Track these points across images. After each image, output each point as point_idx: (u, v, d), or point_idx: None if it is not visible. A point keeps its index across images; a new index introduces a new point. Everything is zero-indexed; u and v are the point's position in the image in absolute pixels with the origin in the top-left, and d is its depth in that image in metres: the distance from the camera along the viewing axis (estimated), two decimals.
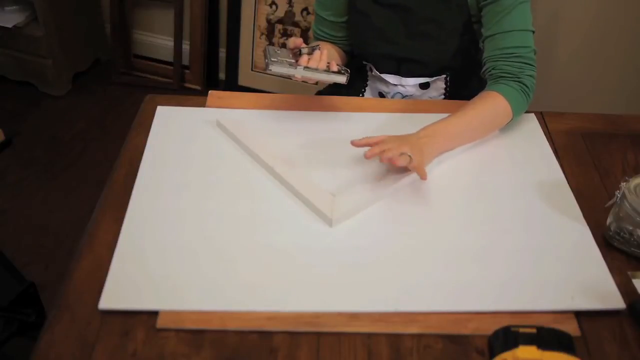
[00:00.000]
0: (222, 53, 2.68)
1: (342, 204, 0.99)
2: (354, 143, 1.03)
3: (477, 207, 1.02)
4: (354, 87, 1.42)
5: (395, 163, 0.97)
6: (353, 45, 1.38)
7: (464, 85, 1.32)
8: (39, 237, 2.00)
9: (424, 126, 1.07)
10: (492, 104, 1.13)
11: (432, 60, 1.29)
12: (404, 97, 1.34)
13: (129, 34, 2.75)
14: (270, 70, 1.10)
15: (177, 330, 0.82)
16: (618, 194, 0.95)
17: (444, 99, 1.35)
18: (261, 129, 1.17)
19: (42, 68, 2.56)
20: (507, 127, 1.19)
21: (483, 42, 1.21)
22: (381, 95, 1.38)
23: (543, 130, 1.20)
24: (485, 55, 1.20)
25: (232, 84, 2.62)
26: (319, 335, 0.83)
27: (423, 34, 1.25)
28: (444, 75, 1.31)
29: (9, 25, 2.46)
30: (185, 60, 2.69)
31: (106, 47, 2.83)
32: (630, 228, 0.93)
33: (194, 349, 0.81)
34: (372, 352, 0.81)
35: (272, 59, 1.11)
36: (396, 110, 1.24)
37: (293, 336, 0.83)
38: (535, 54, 1.17)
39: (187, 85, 2.72)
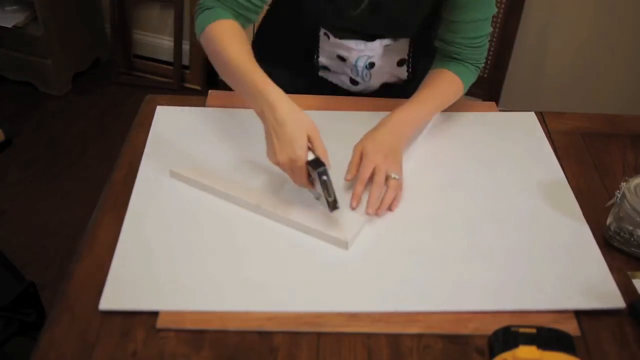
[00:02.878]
0: None
1: (349, 221, 0.97)
2: (348, 179, 1.02)
3: (477, 207, 1.02)
4: (303, 53, 1.27)
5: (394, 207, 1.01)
6: (303, 14, 1.21)
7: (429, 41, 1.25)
8: (39, 237, 2.00)
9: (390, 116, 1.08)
10: (454, 90, 1.16)
11: (396, 29, 1.20)
12: (370, 57, 1.22)
13: (129, 34, 2.76)
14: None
15: (177, 330, 0.82)
16: (618, 194, 0.95)
17: (409, 57, 1.26)
18: (260, 128, 1.17)
19: (42, 68, 2.57)
20: (507, 126, 1.19)
21: (445, 18, 1.13)
22: (340, 58, 1.24)
23: (543, 130, 1.20)
24: (448, 37, 1.15)
25: None
26: (319, 335, 0.83)
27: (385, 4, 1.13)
28: (409, 38, 1.23)
29: (9, 25, 2.47)
30: (185, 60, 2.69)
31: (106, 47, 2.84)
32: (630, 228, 0.93)
33: (194, 349, 0.81)
34: (372, 352, 0.81)
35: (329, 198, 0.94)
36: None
37: (293, 336, 0.83)
38: None
39: (187, 85, 2.72)
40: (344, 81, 1.29)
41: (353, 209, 0.99)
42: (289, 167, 0.93)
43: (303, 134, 0.92)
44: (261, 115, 0.95)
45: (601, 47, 2.22)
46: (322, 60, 1.27)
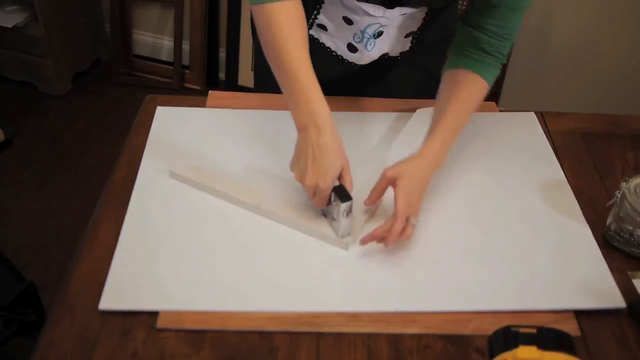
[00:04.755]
0: (222, 53, 2.68)
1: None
2: (366, 204, 0.97)
3: (477, 207, 1.02)
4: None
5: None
6: None
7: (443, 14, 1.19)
8: (39, 237, 2.00)
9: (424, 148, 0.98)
10: (481, 97, 1.06)
11: (434, 1, 1.10)
12: (382, 26, 1.12)
13: (129, 34, 2.76)
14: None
15: (177, 330, 0.82)
16: (618, 194, 0.95)
17: (419, 29, 1.18)
18: (260, 128, 1.17)
19: (42, 68, 2.57)
20: (507, 126, 1.19)
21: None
22: (347, 20, 1.12)
23: (543, 130, 1.20)
24: (477, 21, 1.03)
25: (232, 84, 2.63)
26: (319, 335, 0.83)
27: None
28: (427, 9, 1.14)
29: (9, 25, 2.47)
30: (185, 60, 2.70)
31: (106, 47, 2.84)
32: (630, 228, 0.93)
33: (194, 349, 0.81)
34: (372, 352, 0.81)
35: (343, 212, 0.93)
36: (400, 110, 1.23)
37: (293, 336, 0.83)
38: None
39: (187, 85, 2.72)
40: (339, 46, 1.18)
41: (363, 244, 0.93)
42: (313, 191, 0.93)
43: (339, 166, 0.92)
44: (302, 129, 0.94)
45: (601, 47, 2.22)
46: (322, 18, 1.15)
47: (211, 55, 2.69)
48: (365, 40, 1.15)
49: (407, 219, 0.92)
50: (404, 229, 0.91)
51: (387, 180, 0.94)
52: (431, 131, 1.00)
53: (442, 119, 1.00)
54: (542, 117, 1.24)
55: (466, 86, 1.05)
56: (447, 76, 1.08)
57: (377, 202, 0.98)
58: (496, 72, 1.07)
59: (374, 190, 0.96)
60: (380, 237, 0.92)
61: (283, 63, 0.95)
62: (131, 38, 2.77)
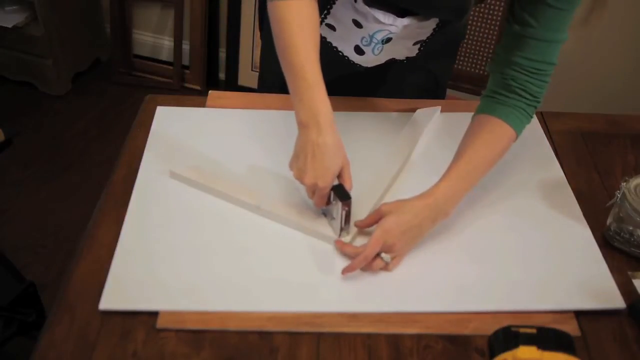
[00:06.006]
0: (222, 53, 2.68)
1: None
2: (357, 225, 0.95)
3: (477, 207, 1.02)
4: None
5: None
6: None
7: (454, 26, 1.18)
8: (39, 237, 2.00)
9: (435, 190, 0.94)
10: (502, 143, 0.99)
11: (440, 7, 1.06)
12: (391, 33, 1.11)
13: (129, 34, 2.76)
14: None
15: (177, 331, 0.82)
16: (618, 194, 0.95)
17: (428, 38, 1.17)
18: (260, 128, 1.17)
19: (42, 68, 2.57)
20: None
21: (509, 23, 0.99)
22: (356, 24, 1.12)
23: (543, 130, 1.20)
24: (506, 56, 0.99)
25: (232, 84, 2.63)
26: (319, 335, 0.83)
27: None
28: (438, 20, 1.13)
29: (9, 25, 2.46)
30: (185, 60, 2.69)
31: (106, 47, 2.84)
32: (630, 228, 0.93)
33: (194, 349, 0.81)
34: (372, 352, 0.81)
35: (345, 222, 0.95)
36: (401, 110, 1.24)
37: (293, 336, 0.83)
38: None
39: (187, 85, 2.72)
40: (346, 47, 1.18)
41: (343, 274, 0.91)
42: (312, 189, 0.93)
43: (338, 165, 0.93)
44: (303, 126, 0.93)
45: (601, 46, 2.22)
46: (331, 19, 1.15)
47: (211, 55, 2.69)
48: (373, 44, 1.15)
49: (379, 255, 0.90)
50: (370, 265, 0.90)
51: (378, 215, 0.92)
52: (441, 176, 0.96)
53: (453, 165, 0.96)
54: (542, 117, 1.24)
55: (486, 132, 0.99)
56: (471, 122, 1.03)
57: (362, 227, 0.96)
58: (524, 117, 0.99)
59: (365, 219, 0.95)
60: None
61: (291, 60, 0.95)
62: (131, 38, 2.77)
